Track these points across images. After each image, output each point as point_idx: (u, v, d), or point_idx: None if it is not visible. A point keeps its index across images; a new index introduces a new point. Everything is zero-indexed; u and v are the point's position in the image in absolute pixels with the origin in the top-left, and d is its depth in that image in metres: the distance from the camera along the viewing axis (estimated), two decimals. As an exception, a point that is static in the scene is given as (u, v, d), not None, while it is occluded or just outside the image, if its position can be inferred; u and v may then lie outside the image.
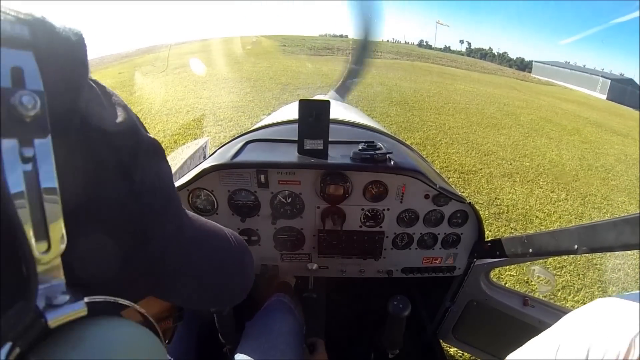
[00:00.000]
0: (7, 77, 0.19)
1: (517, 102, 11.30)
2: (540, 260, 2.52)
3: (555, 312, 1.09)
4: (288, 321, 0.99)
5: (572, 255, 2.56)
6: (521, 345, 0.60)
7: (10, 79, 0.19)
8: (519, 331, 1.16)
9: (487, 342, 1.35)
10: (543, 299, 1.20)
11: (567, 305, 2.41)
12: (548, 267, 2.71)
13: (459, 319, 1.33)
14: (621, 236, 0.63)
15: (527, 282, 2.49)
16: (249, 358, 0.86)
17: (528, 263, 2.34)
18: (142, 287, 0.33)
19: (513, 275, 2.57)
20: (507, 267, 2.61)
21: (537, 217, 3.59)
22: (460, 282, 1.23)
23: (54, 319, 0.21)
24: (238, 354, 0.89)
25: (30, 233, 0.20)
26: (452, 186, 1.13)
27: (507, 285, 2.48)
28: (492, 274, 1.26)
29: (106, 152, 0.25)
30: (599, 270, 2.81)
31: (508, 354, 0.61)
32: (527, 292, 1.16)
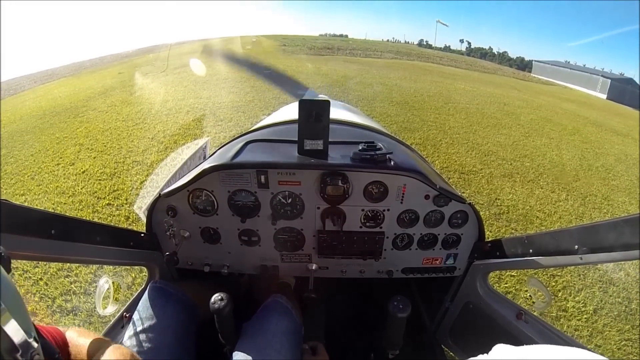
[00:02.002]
0: None
1: (517, 102, 11.29)
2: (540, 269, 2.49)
3: (548, 333, 1.02)
4: (284, 321, 0.99)
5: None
6: None
7: None
8: (510, 343, 1.12)
9: (478, 350, 1.33)
10: (538, 316, 1.14)
11: (567, 305, 2.41)
12: (548, 268, 2.71)
13: (455, 320, 1.32)
14: (621, 236, 0.63)
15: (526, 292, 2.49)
16: (246, 357, 0.87)
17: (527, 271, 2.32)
18: None
19: (514, 276, 2.57)
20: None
21: (537, 217, 3.59)
22: (460, 282, 1.22)
23: None
24: (235, 353, 0.90)
25: None
26: (452, 186, 1.13)
27: (507, 285, 2.49)
28: (492, 274, 1.26)
29: None
30: (599, 270, 2.81)
31: None
32: (523, 306, 1.12)
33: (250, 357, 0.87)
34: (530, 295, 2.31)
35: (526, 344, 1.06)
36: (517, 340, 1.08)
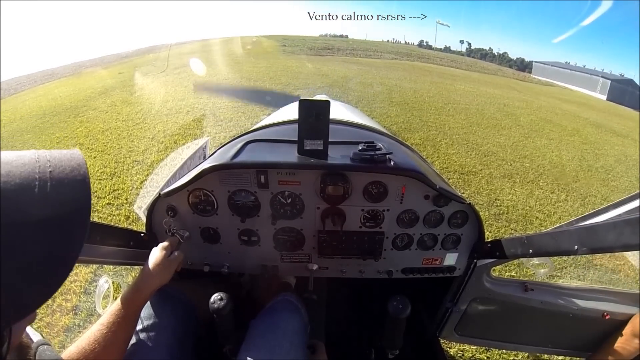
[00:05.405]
0: None
1: (517, 103, 11.29)
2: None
3: (554, 291, 1.18)
4: (294, 320, 0.98)
5: (572, 257, 2.57)
6: (527, 327, 0.63)
7: None
8: (524, 314, 1.22)
9: (493, 331, 1.37)
10: (541, 281, 1.27)
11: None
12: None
13: (462, 317, 1.33)
14: (621, 237, 0.63)
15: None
16: (255, 355, 0.86)
17: (527, 271, 2.33)
18: None
19: (513, 276, 2.57)
20: (507, 269, 2.60)
21: (537, 217, 3.59)
22: (461, 282, 1.22)
23: None
24: (243, 351, 0.88)
25: None
26: (452, 187, 1.13)
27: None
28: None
29: None
30: (599, 271, 2.81)
31: (516, 337, 0.64)
32: (526, 279, 1.23)
33: (260, 355, 0.86)
34: (531, 269, 2.35)
35: (538, 308, 1.19)
36: (529, 307, 1.20)
